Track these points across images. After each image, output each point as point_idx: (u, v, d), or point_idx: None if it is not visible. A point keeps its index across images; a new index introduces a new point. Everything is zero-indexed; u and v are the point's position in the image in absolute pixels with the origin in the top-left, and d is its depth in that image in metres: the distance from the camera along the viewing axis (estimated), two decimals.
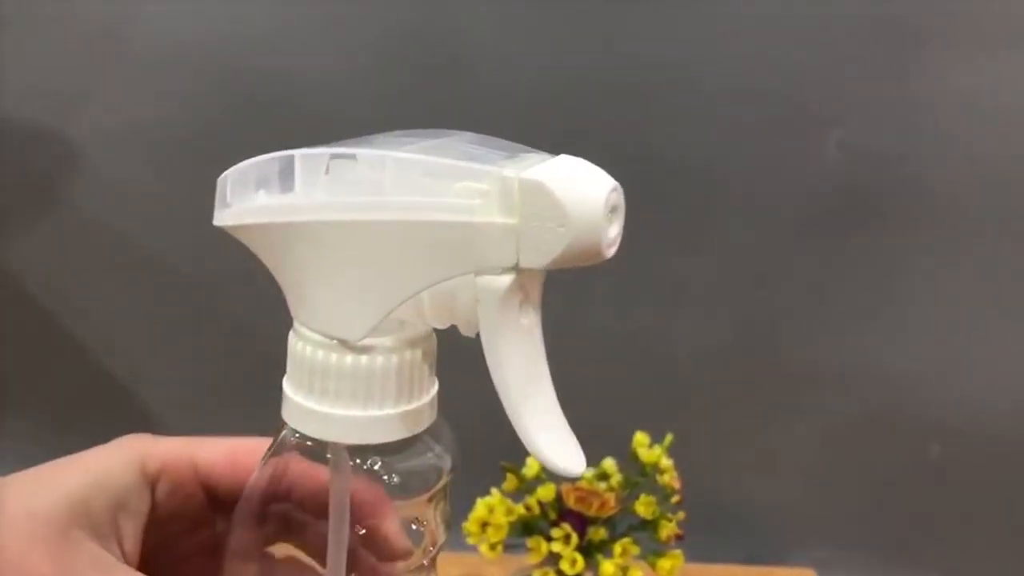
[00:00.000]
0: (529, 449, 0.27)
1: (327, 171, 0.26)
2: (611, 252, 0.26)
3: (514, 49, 0.64)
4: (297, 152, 0.27)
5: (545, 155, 0.27)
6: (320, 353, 0.27)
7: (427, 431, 0.29)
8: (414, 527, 0.30)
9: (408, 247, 0.26)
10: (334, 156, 0.26)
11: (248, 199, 0.28)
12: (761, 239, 0.67)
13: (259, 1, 0.63)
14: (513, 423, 0.27)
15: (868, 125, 0.65)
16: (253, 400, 0.69)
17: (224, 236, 0.72)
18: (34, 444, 0.72)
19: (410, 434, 0.28)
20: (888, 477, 0.71)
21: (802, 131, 0.65)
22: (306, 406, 0.28)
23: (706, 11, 0.63)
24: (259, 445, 0.32)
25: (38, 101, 0.65)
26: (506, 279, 0.25)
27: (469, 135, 0.28)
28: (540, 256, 0.25)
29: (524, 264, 0.25)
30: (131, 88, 0.64)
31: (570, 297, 0.68)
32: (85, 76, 0.64)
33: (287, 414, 0.28)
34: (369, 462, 0.29)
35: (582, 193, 0.25)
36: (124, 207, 0.67)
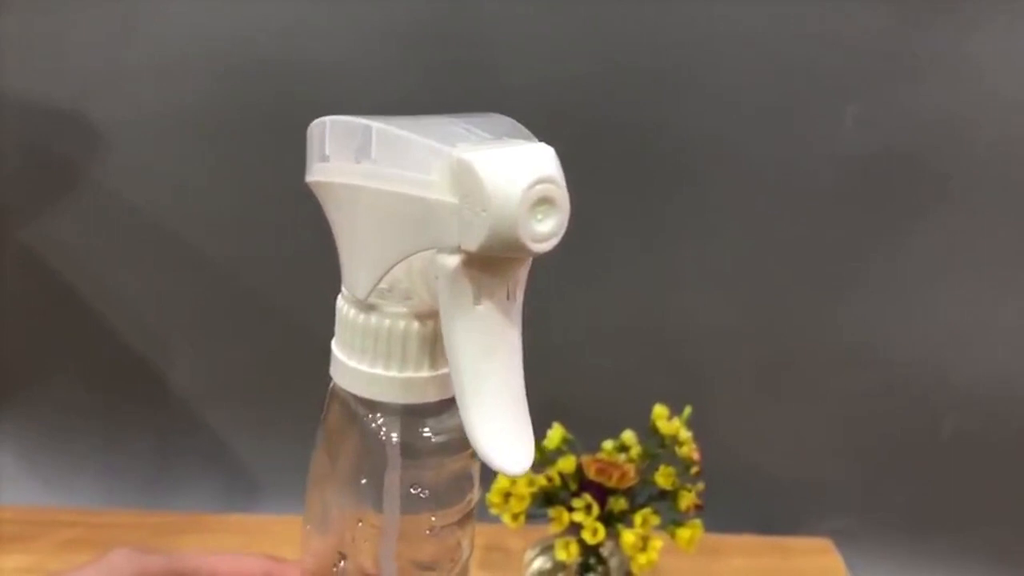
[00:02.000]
0: (470, 441, 0.26)
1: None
2: (540, 247, 0.25)
3: (535, 37, 0.64)
4: (373, 124, 0.27)
5: (533, 143, 0.26)
6: (344, 307, 0.29)
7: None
8: (462, 480, 0.31)
9: (388, 216, 0.27)
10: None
11: (334, 160, 0.29)
12: (779, 216, 0.67)
13: None
14: (460, 411, 0.26)
15: (886, 101, 0.65)
16: (277, 382, 0.71)
17: (247, 219, 0.73)
18: (66, 422, 0.73)
19: (412, 400, 0.29)
20: (904, 449, 0.72)
21: (822, 107, 0.65)
22: (337, 356, 0.29)
23: None
24: (240, 560, 0.34)
25: (62, 87, 0.65)
26: (454, 259, 0.25)
27: (505, 121, 0.28)
28: (471, 240, 0.24)
29: (463, 246, 0.25)
30: (155, 74, 0.65)
31: (591, 272, 0.69)
32: (109, 62, 0.64)
33: (332, 364, 0.30)
34: (412, 423, 0.29)
35: (505, 180, 0.24)
36: (148, 192, 0.68)
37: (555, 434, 0.57)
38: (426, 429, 0.30)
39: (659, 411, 0.58)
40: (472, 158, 0.24)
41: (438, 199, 0.25)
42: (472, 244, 0.24)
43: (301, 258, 0.67)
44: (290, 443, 0.72)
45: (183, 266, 0.69)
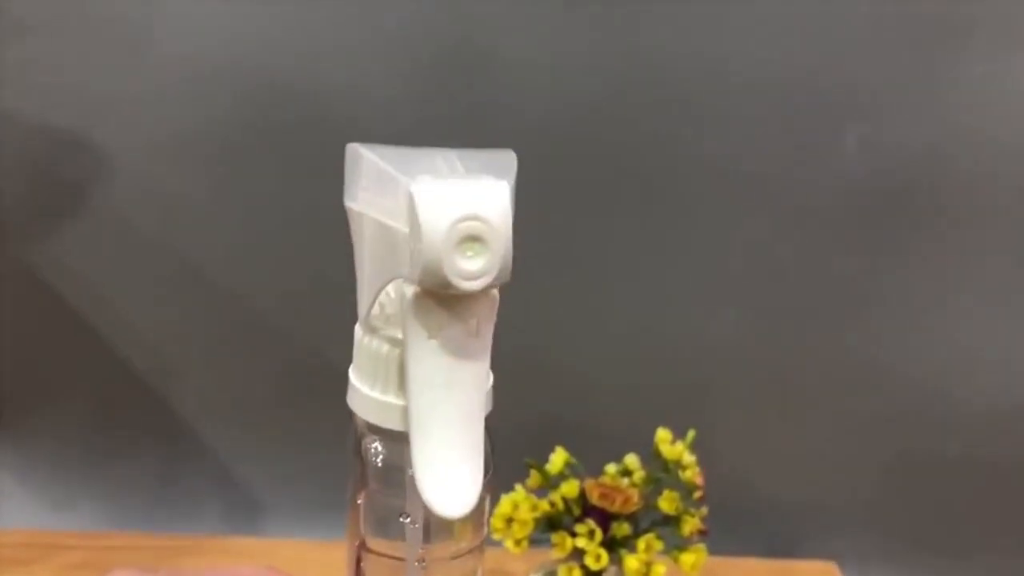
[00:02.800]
0: (415, 477, 0.26)
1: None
2: (467, 285, 0.24)
3: (542, 62, 0.64)
4: (364, 153, 0.27)
5: (487, 180, 0.26)
6: (357, 327, 0.29)
7: None
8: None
9: (372, 242, 0.27)
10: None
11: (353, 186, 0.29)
12: (785, 238, 0.67)
13: (292, 13, 0.64)
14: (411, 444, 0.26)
15: (891, 120, 0.65)
16: (282, 406, 0.71)
17: (252, 242, 0.73)
18: (68, 445, 0.73)
19: (395, 427, 0.29)
20: (909, 471, 0.71)
21: (824, 130, 0.65)
22: (351, 375, 0.30)
23: (725, 8, 0.63)
24: (239, 571, 0.34)
25: (69, 109, 0.66)
26: (411, 290, 0.25)
27: (504, 157, 0.28)
28: (412, 272, 0.25)
29: (408, 278, 0.25)
30: (163, 96, 0.65)
31: (593, 293, 0.69)
32: (118, 83, 0.65)
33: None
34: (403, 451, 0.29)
35: (435, 214, 0.24)
36: (153, 214, 0.68)
37: (558, 458, 0.57)
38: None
39: (662, 435, 0.58)
40: (416, 191, 0.24)
41: (399, 228, 0.25)
42: (412, 277, 0.25)
43: (306, 281, 0.68)
44: (294, 466, 0.73)
45: (187, 288, 0.69)
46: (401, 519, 0.30)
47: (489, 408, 0.31)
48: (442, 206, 0.24)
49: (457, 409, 0.27)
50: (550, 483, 0.57)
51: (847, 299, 0.69)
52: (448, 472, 0.26)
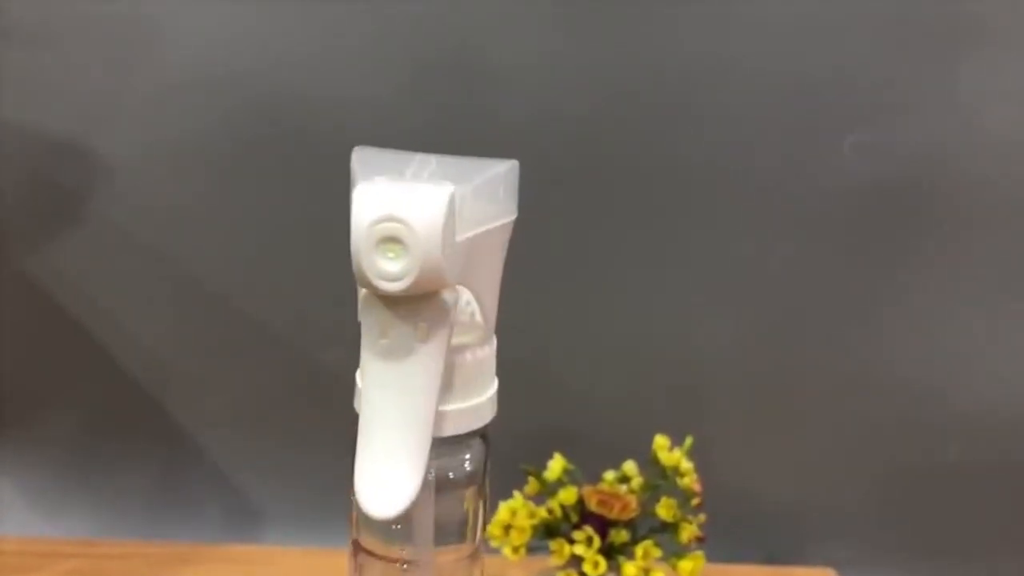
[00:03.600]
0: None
1: None
2: (385, 286, 0.25)
3: (540, 68, 0.65)
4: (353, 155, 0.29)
5: (430, 184, 0.26)
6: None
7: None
8: (442, 524, 0.31)
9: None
10: None
11: None
12: (782, 245, 0.67)
13: (291, 22, 0.64)
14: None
15: (893, 124, 0.65)
16: (281, 413, 0.71)
17: (252, 250, 0.74)
18: (66, 452, 0.73)
19: None
20: (909, 477, 0.71)
21: (822, 136, 0.65)
22: (357, 382, 0.30)
23: (724, 12, 0.63)
24: None
25: (69, 116, 0.66)
26: (362, 289, 0.26)
27: (480, 165, 0.29)
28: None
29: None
30: (163, 103, 0.65)
31: (592, 299, 0.69)
32: (118, 91, 0.65)
33: None
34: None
35: (359, 215, 0.24)
36: (152, 223, 0.68)
37: (556, 465, 0.57)
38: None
39: (660, 441, 0.58)
40: (357, 191, 0.25)
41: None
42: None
43: (307, 288, 0.68)
44: (294, 474, 0.72)
45: (187, 295, 0.69)
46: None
47: (493, 414, 0.31)
48: (367, 207, 0.24)
49: (400, 412, 0.27)
50: (548, 490, 0.57)
51: (847, 305, 0.69)
52: (383, 473, 0.26)
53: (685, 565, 0.56)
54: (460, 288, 0.28)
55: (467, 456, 0.31)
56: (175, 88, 0.65)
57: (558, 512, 0.56)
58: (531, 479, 0.57)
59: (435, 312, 0.26)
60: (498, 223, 0.29)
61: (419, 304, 0.26)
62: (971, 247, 0.67)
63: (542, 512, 0.56)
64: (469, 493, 0.31)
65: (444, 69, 0.64)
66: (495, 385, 0.31)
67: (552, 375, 0.69)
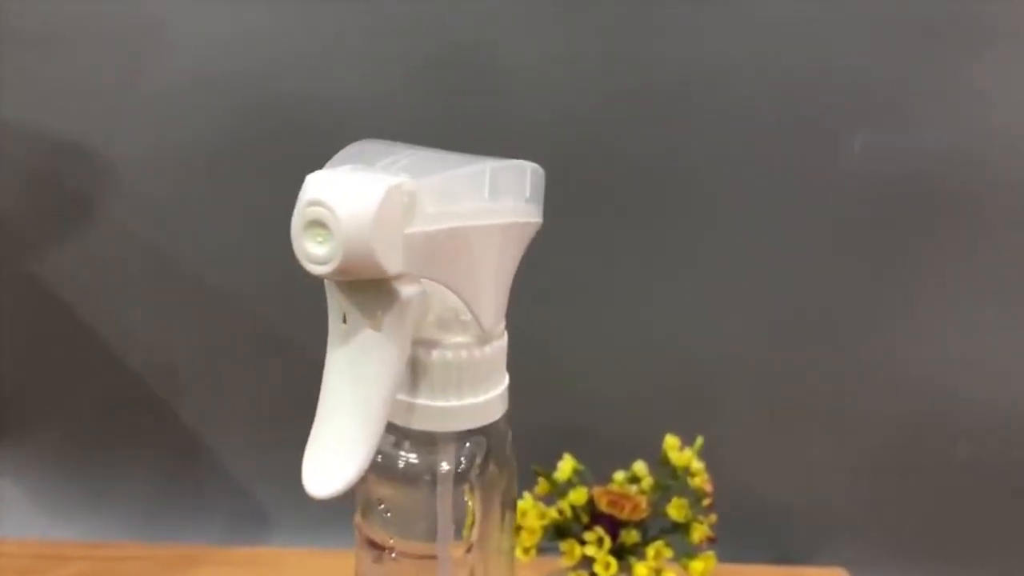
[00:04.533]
0: None
1: None
2: (314, 269, 0.25)
3: (544, 68, 0.64)
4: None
5: (372, 172, 0.27)
6: None
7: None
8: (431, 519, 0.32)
9: None
10: None
11: None
12: (792, 242, 0.67)
13: (293, 23, 0.63)
14: None
15: (900, 123, 0.65)
16: (287, 415, 0.70)
17: (256, 252, 0.73)
18: (71, 454, 0.73)
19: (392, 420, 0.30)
20: (918, 477, 0.71)
21: (830, 134, 0.65)
22: None
23: (730, 11, 0.63)
24: None
25: (73, 118, 0.65)
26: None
27: (448, 159, 0.29)
28: None
29: None
30: (166, 104, 0.65)
31: (601, 299, 0.68)
32: (120, 92, 0.65)
33: None
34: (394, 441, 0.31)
35: (299, 200, 0.25)
36: (156, 224, 0.68)
37: (566, 465, 0.57)
38: (401, 452, 0.31)
39: (670, 441, 0.58)
40: (307, 178, 0.26)
41: None
42: None
43: (312, 289, 0.67)
44: (299, 476, 0.72)
45: (191, 297, 0.69)
46: (379, 506, 0.32)
47: (504, 409, 0.31)
48: (303, 192, 0.25)
49: (351, 398, 0.27)
50: (558, 490, 0.56)
51: (857, 305, 0.68)
52: (326, 454, 0.27)
53: (697, 565, 0.55)
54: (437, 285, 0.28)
55: (460, 454, 0.31)
56: (179, 88, 0.65)
57: (568, 513, 0.56)
58: (541, 480, 0.57)
59: (389, 302, 0.27)
60: (485, 222, 0.29)
61: (374, 293, 0.27)
62: (979, 246, 0.67)
63: (552, 513, 0.56)
64: (463, 490, 0.31)
65: (448, 68, 0.64)
66: (498, 389, 0.31)
67: (562, 375, 0.69)
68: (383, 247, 0.25)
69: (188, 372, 0.71)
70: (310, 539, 0.71)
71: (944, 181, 0.65)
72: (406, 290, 0.27)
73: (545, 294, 0.64)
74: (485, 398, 0.30)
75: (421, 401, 0.30)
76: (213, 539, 0.73)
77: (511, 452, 0.33)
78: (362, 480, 0.31)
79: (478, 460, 0.31)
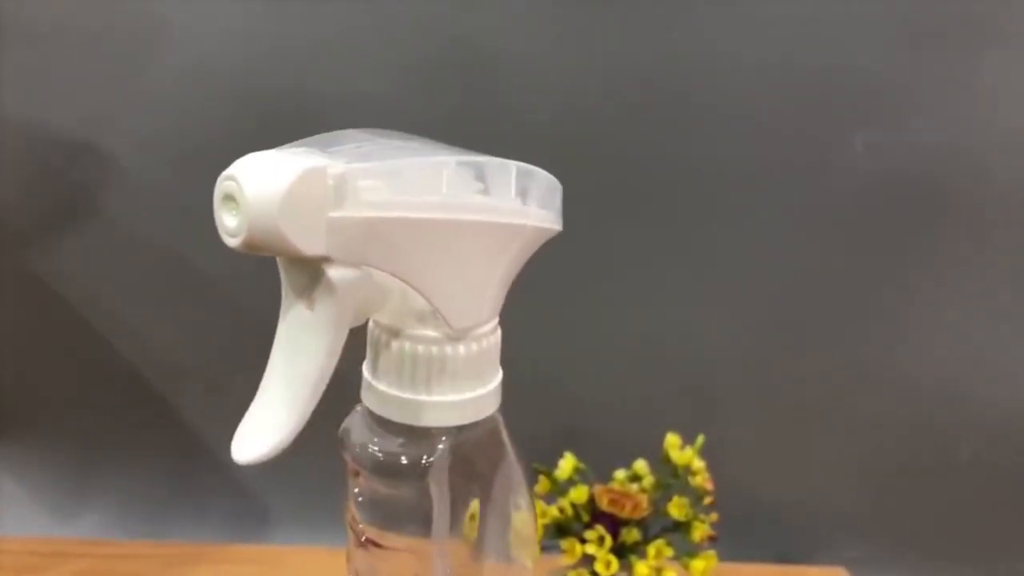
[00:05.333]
0: None
1: None
2: (227, 240, 0.26)
3: (546, 65, 0.64)
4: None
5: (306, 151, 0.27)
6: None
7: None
8: (402, 511, 0.32)
9: None
10: None
11: None
12: (794, 242, 0.67)
13: (297, 21, 0.63)
14: None
15: (903, 122, 0.65)
16: None
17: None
18: (73, 452, 0.73)
19: (371, 408, 0.31)
20: (921, 475, 0.71)
21: (833, 133, 0.65)
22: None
23: (733, 9, 0.63)
24: None
25: (74, 114, 0.66)
26: None
27: (409, 144, 0.30)
28: None
29: None
30: (167, 101, 0.65)
31: (602, 298, 0.68)
32: (122, 89, 0.65)
33: None
34: (372, 430, 0.32)
35: None
36: (159, 220, 0.68)
37: (567, 464, 0.57)
38: (375, 440, 0.31)
39: (672, 440, 0.58)
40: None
41: None
42: None
43: None
44: (303, 473, 0.72)
45: (193, 295, 0.69)
46: (355, 490, 0.32)
47: (497, 404, 0.31)
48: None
49: (283, 373, 0.28)
50: (559, 489, 0.56)
51: (859, 304, 0.68)
52: (252, 423, 0.28)
53: (697, 564, 0.55)
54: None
55: (422, 449, 0.31)
56: (180, 85, 0.65)
57: (569, 511, 0.56)
58: (542, 478, 0.57)
59: (319, 284, 0.27)
60: (447, 216, 0.28)
61: (306, 273, 0.27)
62: (983, 245, 0.67)
63: (553, 511, 0.55)
64: (427, 486, 0.31)
65: (449, 65, 0.64)
66: (469, 393, 0.30)
67: (563, 374, 0.69)
68: (294, 227, 0.25)
69: (190, 370, 0.71)
70: (310, 537, 0.71)
71: (946, 181, 0.65)
72: (336, 273, 0.27)
73: (546, 293, 0.64)
74: (452, 398, 0.30)
75: (393, 392, 0.30)
76: (214, 537, 0.73)
77: (505, 452, 0.33)
78: (347, 474, 0.31)
79: (449, 457, 0.31)
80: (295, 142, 0.28)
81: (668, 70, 0.64)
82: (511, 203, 0.30)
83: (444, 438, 0.31)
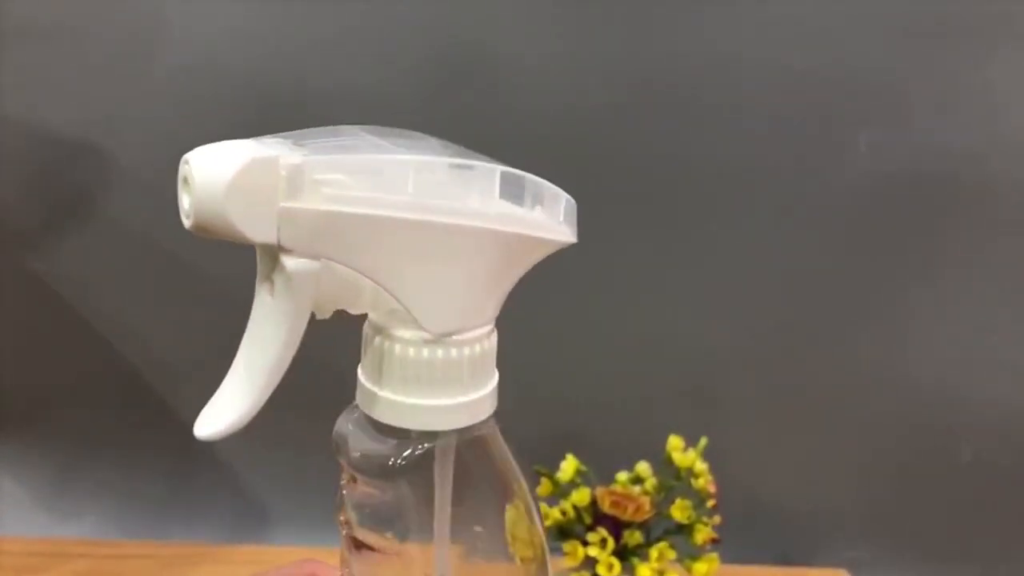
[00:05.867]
0: None
1: None
2: (185, 222, 0.27)
3: (549, 64, 0.64)
4: None
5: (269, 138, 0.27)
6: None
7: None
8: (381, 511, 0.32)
9: None
10: None
11: None
12: (797, 244, 0.67)
13: (301, 20, 0.63)
14: None
15: (906, 124, 0.65)
16: (289, 413, 0.70)
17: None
18: (74, 452, 0.73)
19: (363, 407, 0.31)
20: (921, 478, 0.71)
21: (836, 134, 0.65)
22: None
23: (736, 10, 0.63)
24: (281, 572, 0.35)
25: (74, 114, 0.65)
26: None
27: (433, 145, 0.30)
28: None
29: None
30: (168, 102, 0.65)
31: (604, 299, 0.68)
32: (122, 89, 0.65)
33: None
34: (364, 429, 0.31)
35: None
36: (160, 220, 0.67)
37: (569, 466, 0.57)
38: (370, 442, 0.31)
39: (674, 442, 0.57)
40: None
41: None
42: None
43: None
44: (302, 475, 0.72)
45: (193, 295, 0.69)
46: (341, 482, 0.33)
47: (494, 406, 0.30)
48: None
49: (246, 355, 0.29)
50: (561, 491, 0.56)
51: (861, 306, 0.68)
52: (215, 403, 0.29)
53: (700, 567, 0.55)
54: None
55: (417, 452, 0.30)
56: (181, 83, 0.64)
57: (571, 513, 0.55)
58: (544, 480, 0.56)
59: (276, 272, 0.27)
60: (411, 215, 0.27)
61: (267, 260, 0.28)
62: (985, 246, 0.67)
63: (555, 513, 0.55)
64: (422, 490, 0.31)
65: (450, 64, 0.64)
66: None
67: (564, 375, 0.69)
68: (240, 213, 0.26)
69: (191, 370, 0.71)
70: (309, 538, 0.71)
71: (949, 181, 0.65)
72: (292, 263, 0.27)
73: (547, 294, 0.64)
74: (451, 401, 0.30)
75: (387, 395, 0.30)
76: (213, 537, 0.72)
77: (503, 455, 0.32)
78: (342, 475, 0.31)
79: (445, 460, 0.31)
80: (280, 133, 0.28)
81: (668, 70, 0.64)
82: (496, 208, 0.29)
83: (439, 441, 0.30)
